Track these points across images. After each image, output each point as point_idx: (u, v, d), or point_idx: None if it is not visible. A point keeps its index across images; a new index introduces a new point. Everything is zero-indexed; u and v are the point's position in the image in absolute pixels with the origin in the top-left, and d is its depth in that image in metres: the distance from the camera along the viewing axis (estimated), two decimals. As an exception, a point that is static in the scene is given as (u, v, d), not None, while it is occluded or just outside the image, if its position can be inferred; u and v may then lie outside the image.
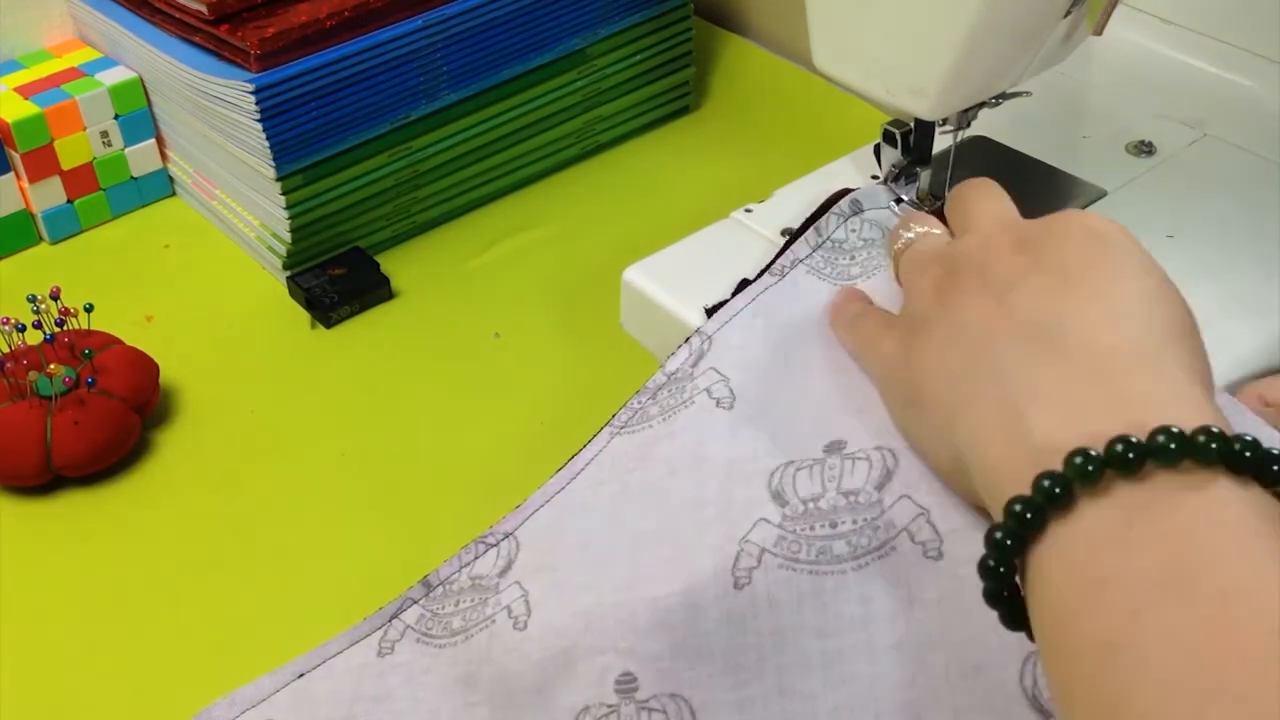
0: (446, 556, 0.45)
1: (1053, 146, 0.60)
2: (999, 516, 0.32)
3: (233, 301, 0.64)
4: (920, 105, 0.50)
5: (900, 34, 0.48)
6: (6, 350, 0.53)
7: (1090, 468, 0.29)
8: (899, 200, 0.51)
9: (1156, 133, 0.60)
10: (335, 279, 0.63)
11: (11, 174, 0.66)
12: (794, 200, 0.57)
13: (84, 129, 0.66)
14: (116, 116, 0.67)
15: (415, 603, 0.44)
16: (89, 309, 0.55)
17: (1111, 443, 0.29)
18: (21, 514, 0.53)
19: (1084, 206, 0.56)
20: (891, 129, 0.55)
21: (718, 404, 0.45)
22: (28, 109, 0.64)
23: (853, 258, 0.49)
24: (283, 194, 0.61)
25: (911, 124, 0.54)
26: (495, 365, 0.59)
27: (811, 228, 0.50)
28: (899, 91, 0.50)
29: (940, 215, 0.46)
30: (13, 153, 0.65)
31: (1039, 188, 0.58)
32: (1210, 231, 0.54)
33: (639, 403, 0.47)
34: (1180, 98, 0.63)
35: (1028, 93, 0.53)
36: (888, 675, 0.36)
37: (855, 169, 0.60)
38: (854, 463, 0.40)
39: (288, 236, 0.63)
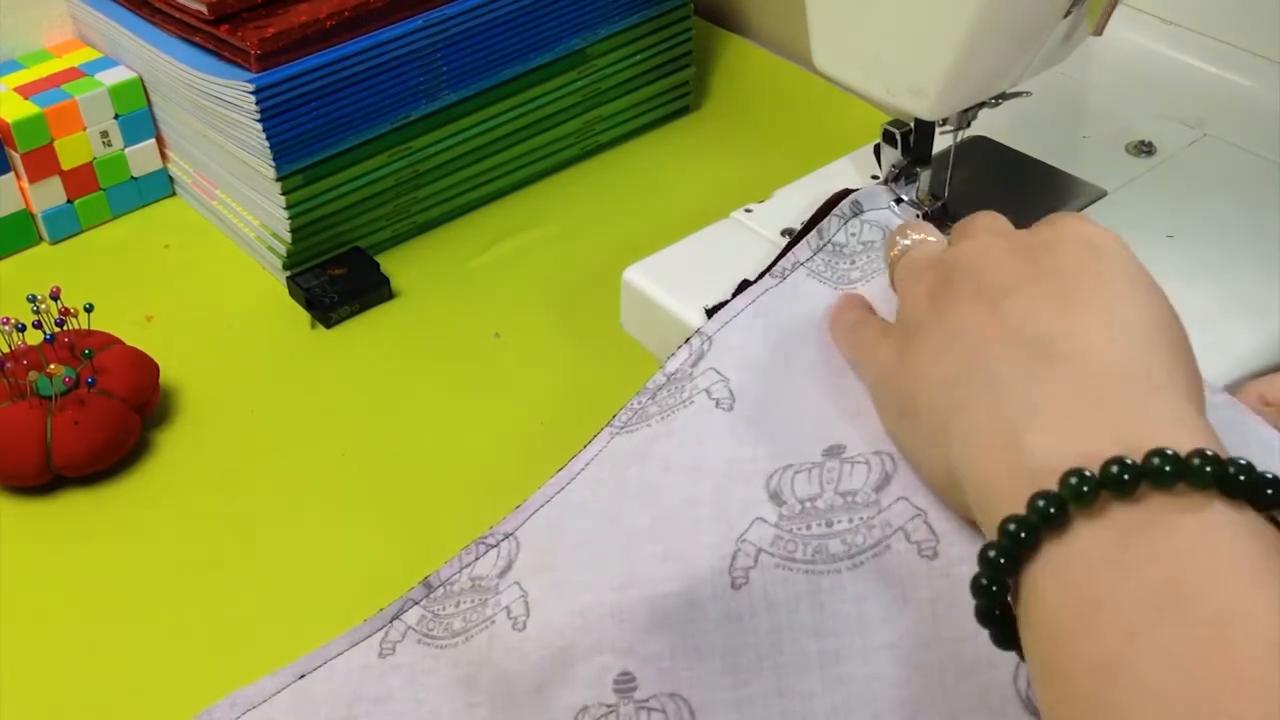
0: (447, 557, 0.45)
1: (1053, 146, 0.60)
2: (990, 533, 0.32)
3: (233, 301, 0.64)
4: (920, 105, 0.50)
5: (900, 34, 0.48)
6: (6, 350, 0.54)
7: (1085, 488, 0.29)
8: (899, 200, 0.51)
9: (1156, 133, 0.60)
10: (335, 279, 0.63)
11: (11, 174, 0.66)
12: (794, 200, 0.57)
13: (84, 129, 0.66)
14: (116, 116, 0.67)
15: (416, 604, 0.45)
16: (89, 309, 0.55)
17: (1107, 464, 0.29)
18: (21, 514, 0.53)
19: (1084, 206, 0.56)
20: (891, 129, 0.55)
21: (717, 404, 0.45)
22: (28, 109, 0.64)
23: (852, 262, 0.49)
24: (283, 194, 0.61)
25: (911, 124, 0.54)
26: (495, 365, 0.59)
27: (814, 230, 0.50)
28: (899, 91, 0.50)
29: (938, 220, 0.46)
30: (13, 153, 0.65)
31: (1039, 188, 0.58)
32: (1210, 231, 0.54)
33: (639, 403, 0.47)
34: (1180, 98, 0.63)
35: (1028, 93, 0.53)
36: (883, 675, 0.36)
37: (855, 169, 0.60)
38: (853, 466, 0.40)
39: (288, 236, 0.63)
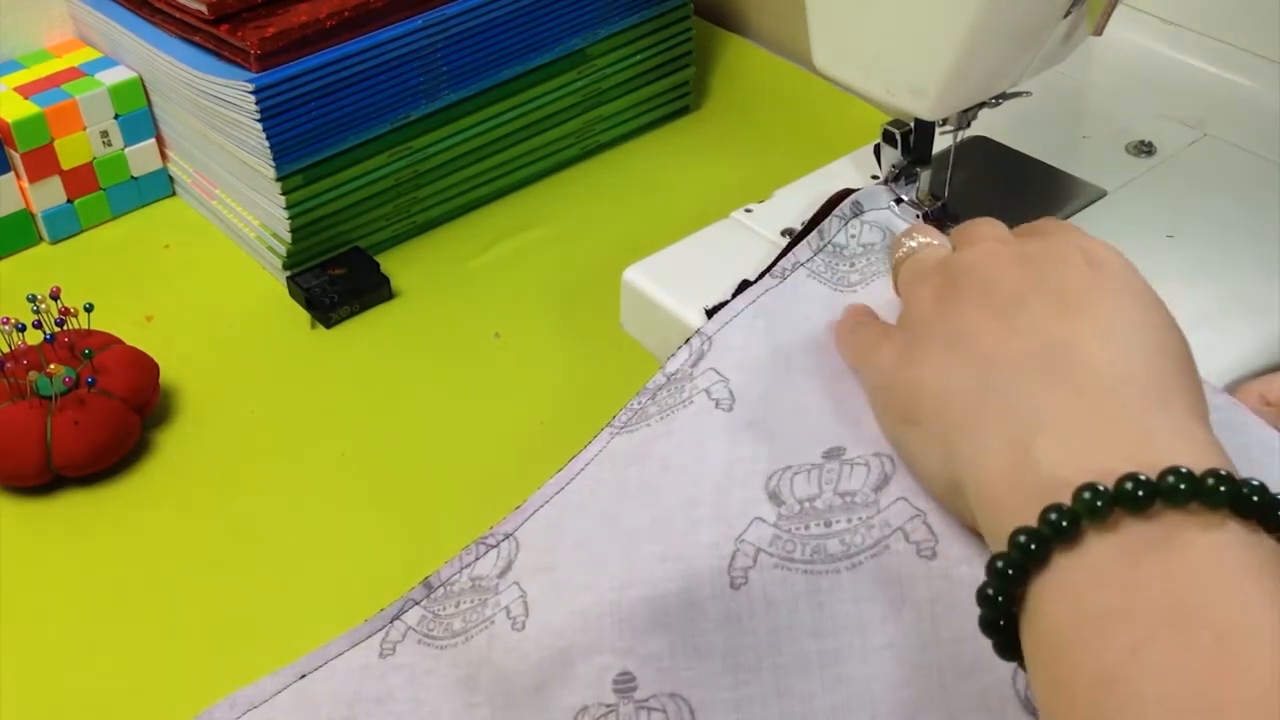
0: (447, 557, 0.45)
1: (1053, 146, 0.60)
2: (996, 543, 0.32)
3: (233, 301, 0.64)
4: (920, 105, 0.50)
5: (900, 34, 0.48)
6: (6, 350, 0.54)
7: (1099, 503, 0.29)
8: (899, 201, 0.51)
9: (1156, 133, 0.60)
10: (335, 279, 0.63)
11: (11, 174, 0.66)
12: (794, 200, 0.57)
13: (84, 129, 0.66)
14: (116, 116, 0.67)
15: (417, 604, 0.45)
16: (89, 309, 0.55)
17: (1121, 480, 0.29)
18: (21, 514, 0.53)
19: (1084, 206, 0.56)
20: (891, 129, 0.55)
21: (716, 405, 0.45)
22: (28, 109, 0.64)
23: (852, 264, 0.49)
24: (283, 194, 0.61)
25: (911, 124, 0.54)
26: (495, 365, 0.59)
27: (814, 230, 0.50)
28: (899, 91, 0.50)
29: (938, 220, 0.45)
30: (13, 153, 0.65)
31: (1039, 188, 0.58)
32: (1210, 231, 0.54)
33: (638, 403, 0.47)
34: (1180, 98, 0.63)
35: (1028, 93, 0.53)
36: (882, 675, 0.36)
37: (855, 169, 0.60)
38: (852, 467, 0.40)
39: (288, 236, 0.63)
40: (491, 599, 0.43)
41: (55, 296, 0.55)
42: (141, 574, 0.50)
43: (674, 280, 0.55)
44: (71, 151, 0.66)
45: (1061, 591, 0.30)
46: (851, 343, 0.44)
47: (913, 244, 0.44)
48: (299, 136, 0.60)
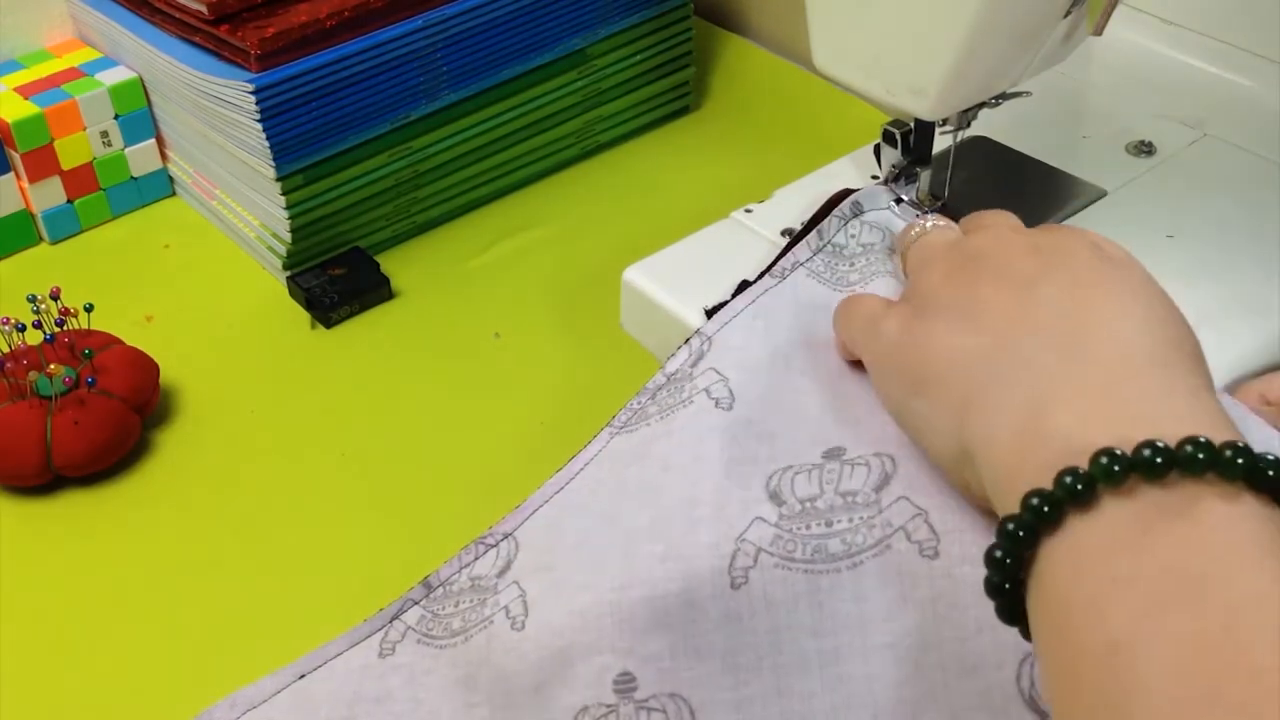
0: (446, 557, 0.45)
1: (1053, 146, 0.60)
2: (1005, 508, 0.32)
3: (233, 301, 0.64)
4: (920, 105, 0.50)
5: (900, 34, 0.48)
6: (6, 350, 0.54)
7: (1116, 468, 0.29)
8: (899, 200, 0.51)
9: (1156, 133, 0.60)
10: (335, 279, 0.63)
11: (11, 174, 0.66)
12: (794, 200, 0.57)
13: (84, 129, 0.66)
14: (116, 116, 0.67)
15: (416, 604, 0.45)
16: (89, 309, 0.55)
17: (1139, 446, 0.29)
18: (21, 514, 0.53)
19: (1084, 206, 0.56)
20: (891, 129, 0.55)
21: (716, 404, 0.45)
22: (28, 109, 0.64)
23: (852, 264, 0.49)
24: (283, 194, 0.61)
25: (911, 124, 0.54)
26: (495, 365, 0.59)
27: (814, 230, 0.50)
28: (899, 91, 0.50)
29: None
30: (13, 153, 0.65)
31: (1039, 188, 0.58)
32: (1210, 231, 0.54)
33: (638, 403, 0.47)
34: (1180, 98, 0.63)
35: (1028, 93, 0.53)
36: (883, 675, 0.36)
37: (855, 169, 0.60)
38: (853, 467, 0.40)
39: (288, 236, 0.63)
40: (491, 599, 0.43)
41: (55, 297, 0.55)
42: (141, 574, 0.50)
43: (674, 280, 0.55)
44: (71, 152, 0.66)
45: (1072, 555, 0.30)
46: (851, 314, 0.44)
47: (925, 225, 0.45)
48: (299, 136, 0.60)
